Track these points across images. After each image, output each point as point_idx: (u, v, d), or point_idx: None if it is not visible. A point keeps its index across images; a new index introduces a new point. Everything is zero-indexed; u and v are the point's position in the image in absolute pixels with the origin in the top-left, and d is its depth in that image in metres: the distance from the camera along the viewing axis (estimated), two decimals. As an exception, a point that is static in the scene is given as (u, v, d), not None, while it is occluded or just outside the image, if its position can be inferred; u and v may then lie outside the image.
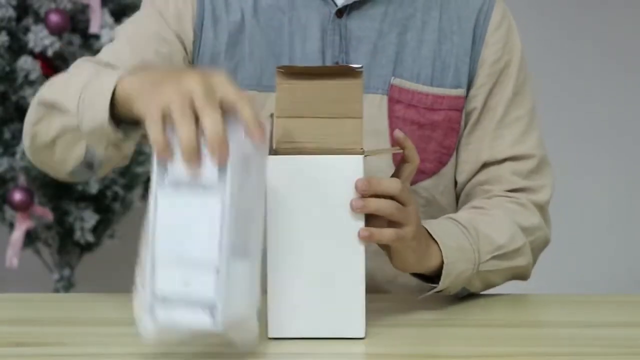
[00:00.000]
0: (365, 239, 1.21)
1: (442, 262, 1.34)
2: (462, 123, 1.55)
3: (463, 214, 1.47)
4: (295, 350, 1.19)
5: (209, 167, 1.08)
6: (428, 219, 1.46)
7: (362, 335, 1.22)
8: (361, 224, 1.21)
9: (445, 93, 1.52)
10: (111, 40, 1.64)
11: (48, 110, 1.36)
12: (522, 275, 1.50)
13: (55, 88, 1.38)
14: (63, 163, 1.37)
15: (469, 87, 1.54)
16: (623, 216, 3.42)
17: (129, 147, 1.31)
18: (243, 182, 1.09)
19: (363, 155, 1.21)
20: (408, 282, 1.52)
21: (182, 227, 1.08)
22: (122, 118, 1.23)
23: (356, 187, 1.20)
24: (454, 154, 1.55)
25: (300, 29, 1.50)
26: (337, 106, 1.24)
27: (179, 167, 1.08)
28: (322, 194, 1.20)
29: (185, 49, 1.51)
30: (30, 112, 1.41)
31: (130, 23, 1.56)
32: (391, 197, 1.24)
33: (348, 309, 1.21)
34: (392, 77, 1.50)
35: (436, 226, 1.37)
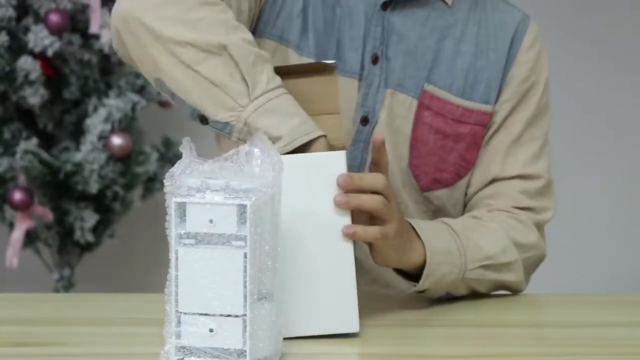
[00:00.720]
0: (349, 237, 1.21)
1: (425, 262, 1.34)
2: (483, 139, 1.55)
3: (458, 220, 1.48)
4: (290, 350, 1.19)
5: (228, 218, 1.09)
6: None
7: (356, 330, 1.22)
8: (347, 219, 1.21)
9: (474, 107, 1.52)
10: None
11: (225, 58, 1.28)
12: (511, 289, 1.51)
13: (246, 50, 1.29)
14: (172, 82, 1.30)
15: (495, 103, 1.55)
16: (623, 216, 3.42)
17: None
18: (262, 227, 1.10)
19: (345, 151, 1.21)
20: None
21: (204, 279, 1.10)
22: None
23: (338, 183, 1.20)
24: (472, 168, 1.56)
25: (347, 13, 1.50)
26: (314, 104, 1.25)
27: (197, 219, 1.10)
28: (307, 192, 1.21)
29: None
30: (206, 24, 1.30)
31: None
32: (375, 192, 1.24)
33: (340, 305, 1.22)
34: (426, 84, 1.50)
35: (425, 226, 1.37)
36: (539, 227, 1.54)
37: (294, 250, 1.20)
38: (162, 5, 1.31)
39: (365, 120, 1.49)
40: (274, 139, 1.23)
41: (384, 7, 1.51)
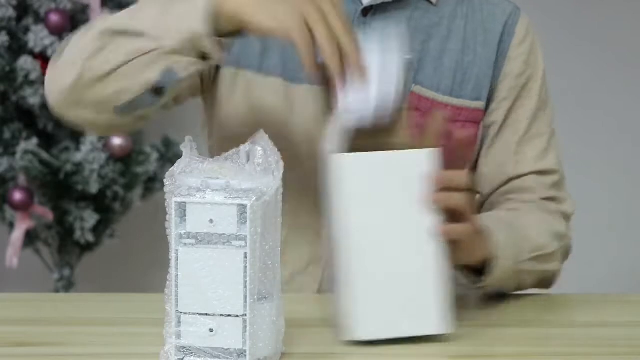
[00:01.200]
0: (445, 236, 1.20)
1: (487, 257, 1.33)
2: (480, 136, 1.54)
3: (502, 213, 1.47)
4: (290, 350, 1.19)
5: (228, 218, 1.09)
6: None
7: (448, 331, 1.21)
8: (437, 218, 1.20)
9: (464, 105, 1.51)
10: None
11: (113, 38, 1.33)
12: (549, 280, 1.51)
13: (123, 17, 1.35)
14: (121, 93, 1.33)
15: (488, 101, 1.54)
16: (623, 216, 3.42)
17: (216, 62, 1.32)
18: (262, 227, 1.10)
19: (436, 149, 1.21)
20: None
21: (205, 279, 1.10)
22: (213, 32, 1.26)
23: (435, 181, 1.20)
24: (469, 166, 1.56)
25: None
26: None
27: (197, 219, 1.10)
28: (397, 190, 1.20)
29: None
30: (84, 45, 1.36)
31: None
32: (460, 190, 1.23)
33: (431, 306, 1.21)
34: (413, 85, 1.49)
35: (487, 219, 1.37)
36: (566, 218, 1.54)
37: (383, 250, 1.20)
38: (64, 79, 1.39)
39: None
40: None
41: (364, 13, 1.50)
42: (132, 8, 1.38)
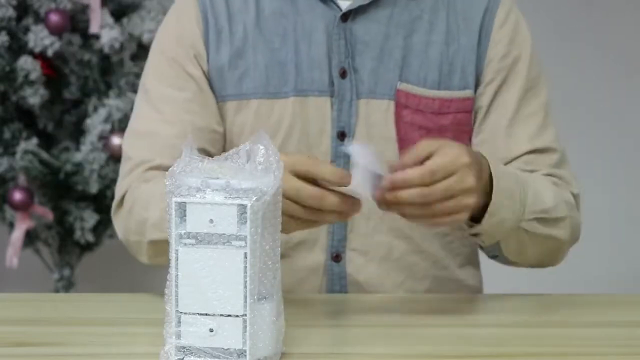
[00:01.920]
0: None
1: (486, 205, 1.33)
2: (472, 124, 1.53)
3: (517, 170, 1.46)
4: (290, 350, 1.19)
5: (228, 218, 1.09)
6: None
7: None
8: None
9: (452, 96, 1.50)
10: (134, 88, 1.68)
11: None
12: (554, 252, 1.48)
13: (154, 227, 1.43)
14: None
15: (476, 87, 1.53)
16: (623, 216, 3.42)
17: None
18: (262, 227, 1.10)
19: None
20: (414, 287, 1.52)
21: (205, 279, 1.10)
22: None
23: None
24: None
25: (305, 34, 1.50)
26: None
27: (197, 219, 1.10)
28: None
29: (201, 67, 1.51)
30: (134, 242, 1.50)
31: (156, 79, 1.55)
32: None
33: None
34: (399, 82, 1.49)
35: (499, 167, 1.37)
36: (574, 196, 1.51)
37: None
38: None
39: (342, 136, 1.49)
40: None
41: (344, 18, 1.50)
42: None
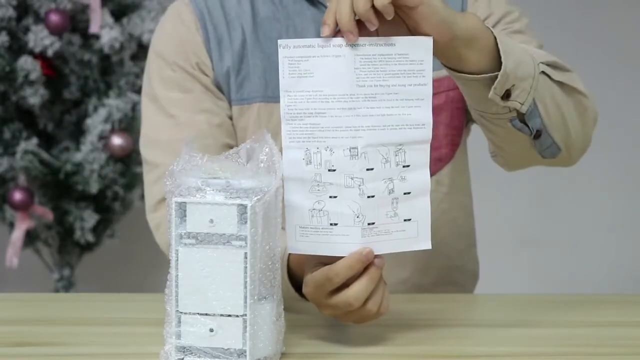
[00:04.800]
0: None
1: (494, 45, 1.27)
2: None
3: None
4: (290, 350, 1.19)
5: (228, 218, 1.08)
6: (452, 207, 1.52)
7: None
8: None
9: (441, 75, 1.49)
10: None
11: None
12: (583, 109, 1.44)
13: None
14: None
15: None
16: (623, 216, 3.42)
17: None
18: (262, 227, 1.10)
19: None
20: (419, 282, 1.52)
21: (205, 279, 1.10)
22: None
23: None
24: (464, 133, 1.56)
25: (296, 37, 1.50)
26: None
27: (197, 219, 1.09)
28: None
29: (206, 74, 1.51)
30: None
31: (163, 85, 1.54)
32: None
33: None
34: None
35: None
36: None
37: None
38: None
39: None
40: None
41: None
42: None
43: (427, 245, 1.22)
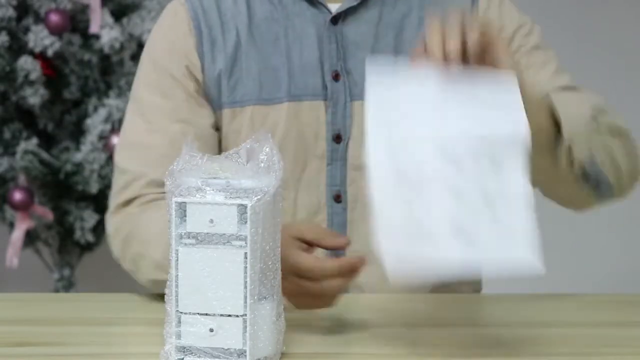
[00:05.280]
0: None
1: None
2: None
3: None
4: (290, 350, 1.19)
5: (228, 218, 1.08)
6: None
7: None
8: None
9: None
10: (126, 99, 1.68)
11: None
12: (635, 152, 1.47)
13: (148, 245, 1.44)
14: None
15: None
16: (623, 216, 3.41)
17: None
18: (262, 227, 1.10)
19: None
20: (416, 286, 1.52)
21: (205, 279, 1.10)
22: None
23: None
24: None
25: (296, 39, 1.50)
26: None
27: (198, 219, 1.09)
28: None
29: (195, 77, 1.51)
30: (126, 259, 1.55)
31: (147, 89, 1.54)
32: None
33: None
34: None
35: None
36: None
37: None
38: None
39: (338, 138, 1.49)
40: None
41: (334, 21, 1.50)
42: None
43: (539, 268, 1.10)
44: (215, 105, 1.51)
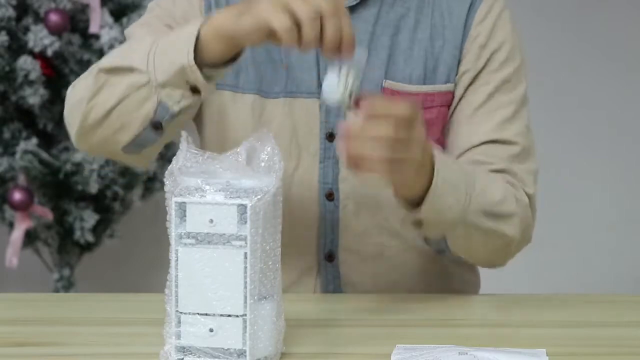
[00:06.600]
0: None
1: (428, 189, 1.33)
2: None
3: (467, 163, 1.45)
4: (290, 350, 1.19)
5: (228, 217, 1.08)
6: None
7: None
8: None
9: (435, 90, 1.50)
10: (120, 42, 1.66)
11: (110, 75, 1.36)
12: (504, 248, 1.46)
13: (116, 55, 1.40)
14: (124, 129, 1.36)
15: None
16: (623, 216, 3.42)
17: (205, 93, 1.33)
18: (262, 227, 1.09)
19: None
20: (411, 285, 1.52)
21: (205, 279, 1.10)
22: (205, 61, 1.29)
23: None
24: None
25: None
26: None
27: (197, 219, 1.09)
28: None
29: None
30: (86, 86, 1.40)
31: (139, 25, 1.53)
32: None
33: None
34: (384, 80, 1.49)
35: (442, 155, 1.37)
36: (528, 197, 1.49)
37: None
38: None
39: (331, 136, 1.49)
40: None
41: None
42: (125, 46, 1.42)
43: None
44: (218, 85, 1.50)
